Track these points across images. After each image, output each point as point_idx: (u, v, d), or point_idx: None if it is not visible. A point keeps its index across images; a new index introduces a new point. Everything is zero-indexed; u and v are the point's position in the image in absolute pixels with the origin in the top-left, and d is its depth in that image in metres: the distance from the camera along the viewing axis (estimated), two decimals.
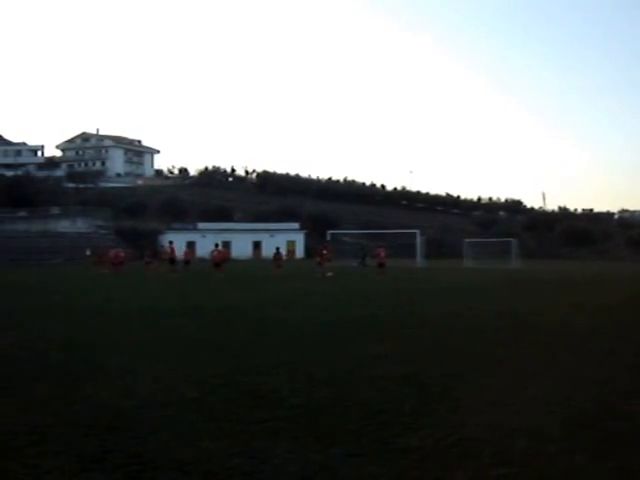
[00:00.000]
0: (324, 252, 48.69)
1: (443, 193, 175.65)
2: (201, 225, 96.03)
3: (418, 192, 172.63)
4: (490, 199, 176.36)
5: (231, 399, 8.64)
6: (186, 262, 53.78)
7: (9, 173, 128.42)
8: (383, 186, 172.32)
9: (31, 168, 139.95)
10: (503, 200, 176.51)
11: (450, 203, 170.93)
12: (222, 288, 32.20)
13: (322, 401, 8.53)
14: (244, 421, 7.55)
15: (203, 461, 6.25)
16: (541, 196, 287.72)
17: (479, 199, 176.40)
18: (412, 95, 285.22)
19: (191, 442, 6.82)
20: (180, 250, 52.93)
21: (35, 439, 6.96)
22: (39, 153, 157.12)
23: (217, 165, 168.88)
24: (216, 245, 50.91)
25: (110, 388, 9.34)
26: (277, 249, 51.05)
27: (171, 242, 50.95)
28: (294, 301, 24.68)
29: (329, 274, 42.40)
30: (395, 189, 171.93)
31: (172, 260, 48.05)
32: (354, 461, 6.28)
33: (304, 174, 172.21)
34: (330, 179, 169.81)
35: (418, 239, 71.21)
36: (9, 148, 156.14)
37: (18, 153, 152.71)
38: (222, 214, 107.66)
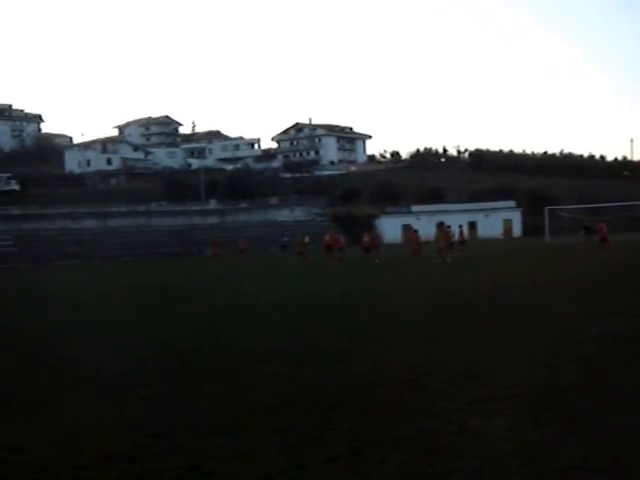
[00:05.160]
0: (365, 239, 47.74)
1: None
2: (415, 208, 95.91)
3: None
4: None
5: (445, 379, 8.74)
6: (241, 251, 55.68)
7: (229, 167, 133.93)
8: (602, 157, 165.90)
9: (249, 161, 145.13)
10: None
11: None
12: (428, 272, 32.14)
13: (537, 381, 8.46)
14: (459, 401, 7.63)
15: (420, 439, 6.41)
16: None
17: None
18: (628, 59, 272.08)
19: (407, 421, 7.00)
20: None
21: (261, 417, 7.42)
22: (256, 146, 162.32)
23: (429, 146, 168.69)
24: (369, 232, 51.34)
25: (330, 369, 9.73)
26: (411, 228, 49.25)
27: (332, 231, 50.88)
28: (501, 283, 23.96)
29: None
30: (615, 159, 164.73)
31: (329, 247, 47.25)
32: (572, 440, 6.24)
33: (518, 150, 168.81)
34: (546, 153, 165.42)
35: None
36: (228, 143, 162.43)
37: (236, 147, 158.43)
38: (436, 195, 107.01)
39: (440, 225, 39.24)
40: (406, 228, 54.43)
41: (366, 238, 48.85)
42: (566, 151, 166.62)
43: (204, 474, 5.84)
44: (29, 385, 9.65)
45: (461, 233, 50.54)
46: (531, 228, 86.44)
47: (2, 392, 9.30)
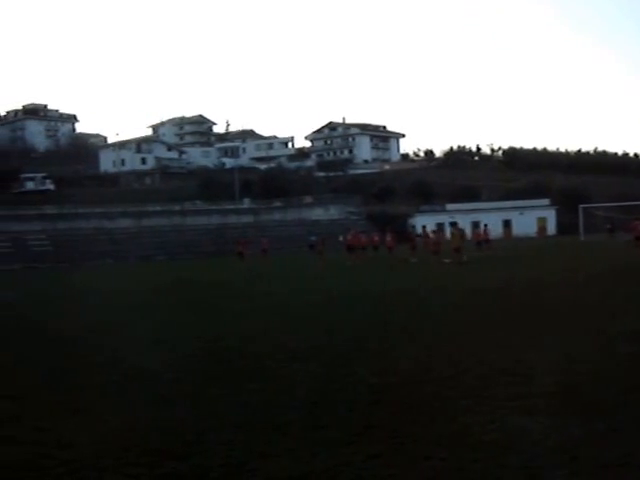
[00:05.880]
0: (387, 239, 47.32)
1: None
2: (449, 206, 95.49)
3: None
4: None
5: (486, 376, 8.79)
6: (263, 250, 55.43)
7: (263, 166, 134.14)
8: (637, 155, 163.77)
9: (283, 160, 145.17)
10: None
11: None
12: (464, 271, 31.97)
13: (578, 377, 8.50)
14: (500, 398, 7.69)
15: (461, 435, 6.48)
16: None
17: None
18: None
19: (449, 417, 7.08)
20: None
21: (304, 414, 7.53)
22: (289, 145, 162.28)
23: (462, 145, 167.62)
24: (391, 231, 50.93)
25: (369, 367, 9.81)
26: (423, 228, 47.89)
27: (350, 230, 50.21)
28: (534, 281, 23.69)
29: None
30: None
31: (350, 247, 46.54)
32: (615, 436, 6.27)
33: (552, 147, 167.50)
34: (580, 151, 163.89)
35: None
36: (261, 142, 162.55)
37: (270, 146, 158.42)
38: (470, 194, 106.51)
39: (454, 225, 38.82)
40: (423, 228, 53.62)
41: (388, 237, 48.79)
42: (600, 149, 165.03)
43: (250, 470, 5.95)
44: (75, 383, 9.82)
45: (485, 232, 50.26)
46: (566, 226, 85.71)
47: (49, 391, 9.47)
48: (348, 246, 46.04)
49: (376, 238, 51.02)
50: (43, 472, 6.13)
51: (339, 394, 8.32)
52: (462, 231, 39.18)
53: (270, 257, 54.82)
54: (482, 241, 46.65)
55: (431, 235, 49.63)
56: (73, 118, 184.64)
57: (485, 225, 51.46)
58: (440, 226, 79.58)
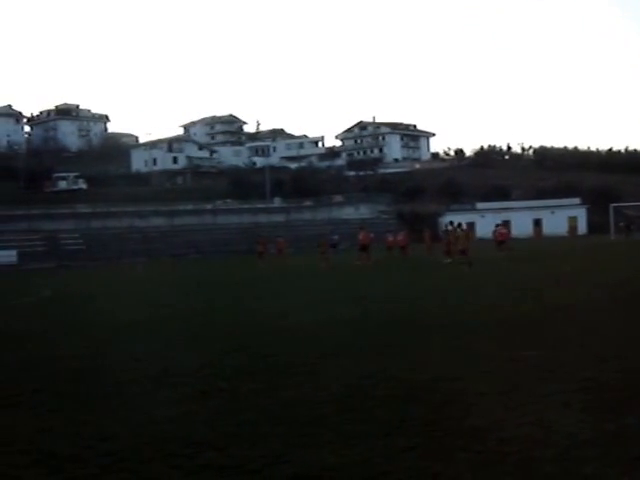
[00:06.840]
0: (400, 238, 46.75)
1: None
2: (480, 205, 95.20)
3: None
4: None
5: (520, 373, 8.88)
6: (279, 250, 54.10)
7: (293, 165, 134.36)
8: None
9: (313, 159, 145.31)
10: None
11: None
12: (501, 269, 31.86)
13: (611, 375, 8.55)
14: (534, 393, 7.79)
15: (495, 429, 6.57)
16: None
17: None
18: None
19: (483, 412, 7.18)
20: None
21: (340, 408, 7.66)
22: (320, 144, 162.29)
23: (492, 144, 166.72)
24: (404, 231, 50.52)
25: (402, 363, 9.93)
26: (450, 224, 44.34)
27: (363, 228, 49.40)
28: (560, 281, 23.45)
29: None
30: None
31: (364, 247, 45.53)
32: None
33: (583, 147, 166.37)
34: (611, 150, 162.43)
35: None
36: (292, 141, 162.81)
37: (300, 146, 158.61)
38: (500, 193, 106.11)
39: (459, 225, 38.18)
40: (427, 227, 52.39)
41: (401, 236, 48.50)
42: (631, 148, 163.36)
43: (288, 462, 6.06)
44: (115, 378, 9.98)
45: (500, 232, 49.57)
46: (596, 225, 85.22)
47: (88, 385, 9.66)
48: (361, 246, 45.37)
49: (399, 238, 50.85)
50: (86, 463, 6.28)
51: (373, 389, 8.44)
52: (467, 232, 38.38)
53: (287, 257, 54.24)
54: (501, 241, 46.15)
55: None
56: (105, 118, 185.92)
57: (497, 225, 50.19)
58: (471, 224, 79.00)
